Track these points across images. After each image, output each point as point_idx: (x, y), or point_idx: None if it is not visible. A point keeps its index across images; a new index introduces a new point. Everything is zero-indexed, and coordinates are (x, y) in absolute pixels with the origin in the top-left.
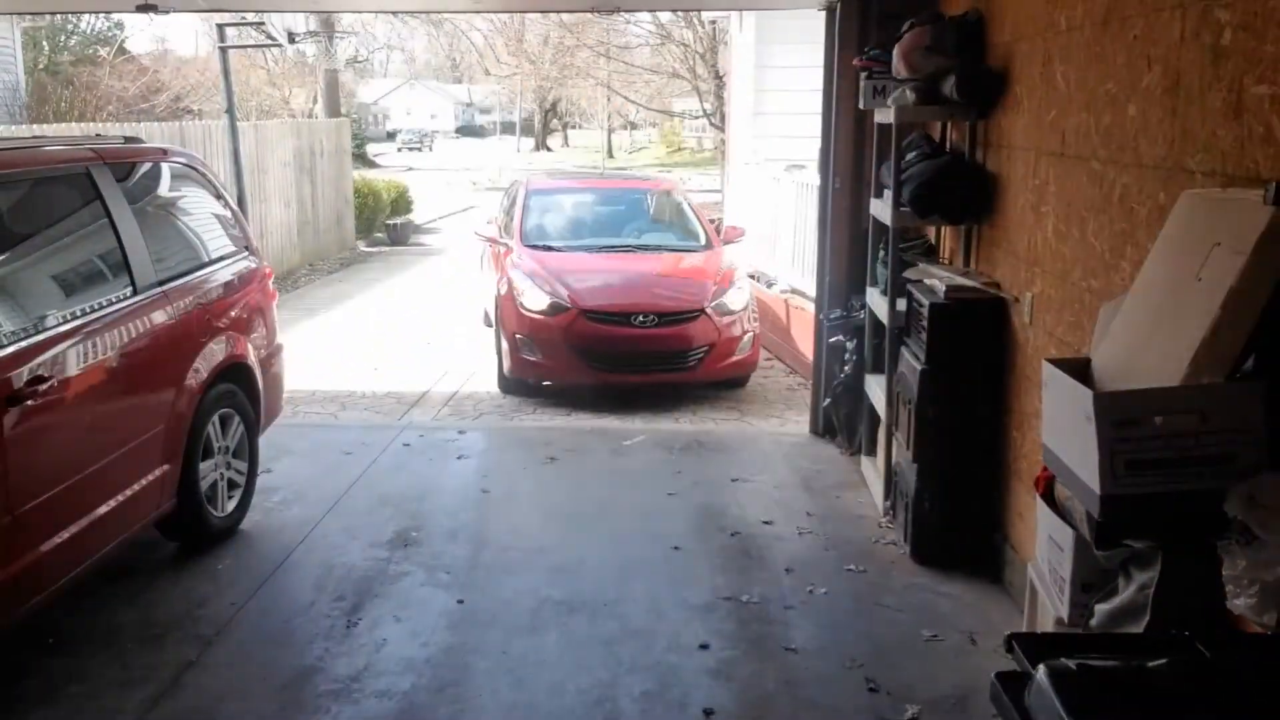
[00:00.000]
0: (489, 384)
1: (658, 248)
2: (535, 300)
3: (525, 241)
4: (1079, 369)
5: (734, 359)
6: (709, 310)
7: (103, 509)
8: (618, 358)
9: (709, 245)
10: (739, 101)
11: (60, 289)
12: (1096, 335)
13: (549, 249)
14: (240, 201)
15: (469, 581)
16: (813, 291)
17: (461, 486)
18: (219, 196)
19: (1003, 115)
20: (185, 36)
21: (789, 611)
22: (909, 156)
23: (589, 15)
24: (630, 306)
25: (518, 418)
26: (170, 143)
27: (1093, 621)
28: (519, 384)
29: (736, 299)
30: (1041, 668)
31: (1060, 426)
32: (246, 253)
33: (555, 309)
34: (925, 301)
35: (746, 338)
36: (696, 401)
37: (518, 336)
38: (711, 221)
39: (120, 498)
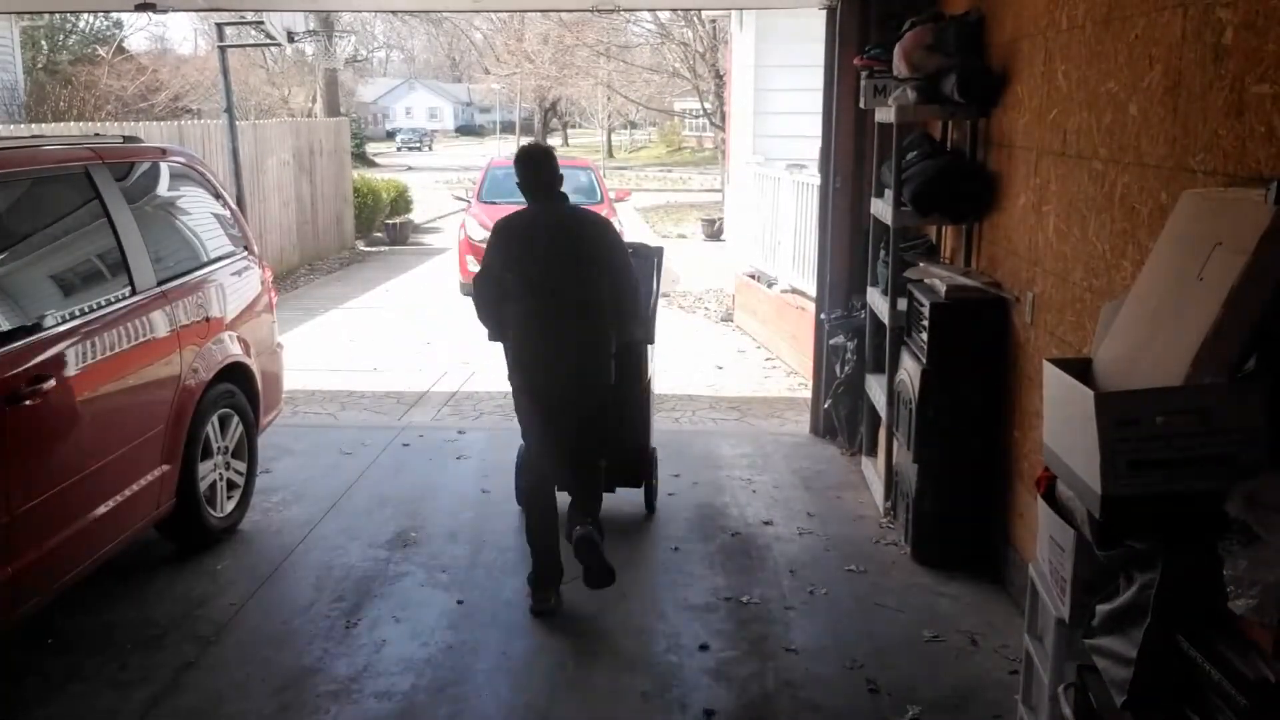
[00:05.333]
0: (489, 384)
1: None
2: (477, 233)
3: (480, 199)
4: (1080, 369)
5: None
6: None
7: (102, 509)
8: None
9: (601, 200)
10: (739, 101)
11: (59, 289)
12: (1098, 335)
13: (495, 204)
14: (239, 201)
15: (469, 581)
16: (813, 291)
17: (461, 486)
18: (218, 196)
19: (1004, 114)
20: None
21: (789, 612)
22: (910, 156)
23: (589, 14)
24: None
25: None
26: (169, 142)
27: (1094, 623)
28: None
29: None
30: None
31: (1061, 426)
32: (245, 252)
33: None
34: (926, 301)
35: None
36: (696, 402)
37: (467, 256)
38: (614, 191)
39: (119, 498)
